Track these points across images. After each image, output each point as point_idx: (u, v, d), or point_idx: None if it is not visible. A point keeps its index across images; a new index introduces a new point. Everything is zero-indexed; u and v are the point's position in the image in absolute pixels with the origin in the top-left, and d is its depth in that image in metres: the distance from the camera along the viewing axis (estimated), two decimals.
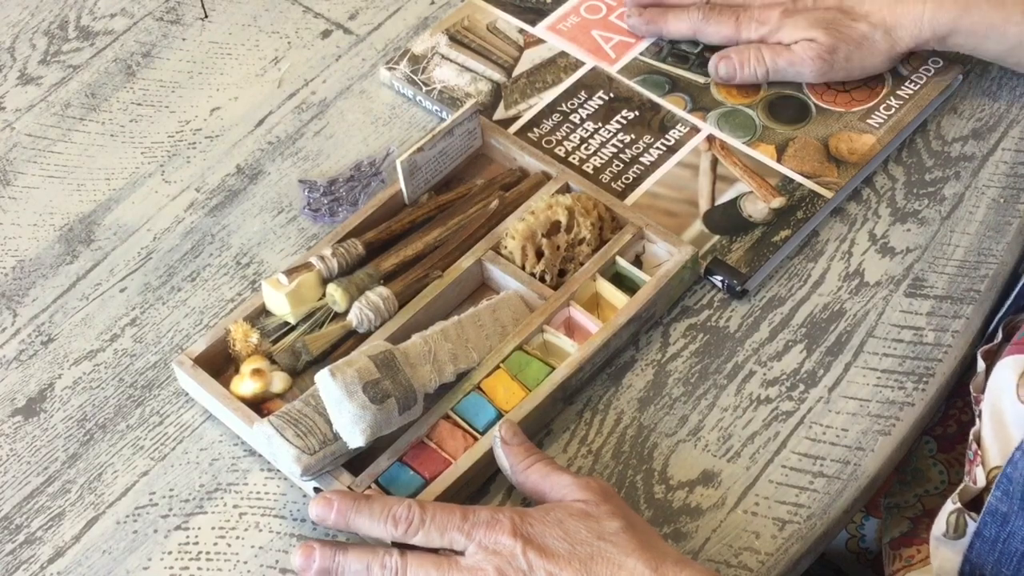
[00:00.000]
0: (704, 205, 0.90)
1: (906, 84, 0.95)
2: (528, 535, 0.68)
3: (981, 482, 0.76)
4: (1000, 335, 0.83)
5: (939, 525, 0.78)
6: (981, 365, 0.81)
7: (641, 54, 0.99)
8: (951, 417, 0.89)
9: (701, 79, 0.97)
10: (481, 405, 0.78)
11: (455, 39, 1.00)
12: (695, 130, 0.94)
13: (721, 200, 0.90)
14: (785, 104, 0.95)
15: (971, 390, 0.82)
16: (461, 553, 0.69)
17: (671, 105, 0.95)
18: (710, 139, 0.93)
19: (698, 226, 0.89)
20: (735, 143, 0.93)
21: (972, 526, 0.76)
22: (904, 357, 0.83)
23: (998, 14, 0.88)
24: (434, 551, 0.70)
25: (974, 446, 0.78)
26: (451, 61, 0.99)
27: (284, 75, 1.01)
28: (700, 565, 0.68)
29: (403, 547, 0.71)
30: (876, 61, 0.91)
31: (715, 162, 0.92)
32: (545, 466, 0.73)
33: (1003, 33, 0.88)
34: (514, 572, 0.67)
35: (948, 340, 0.84)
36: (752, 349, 0.84)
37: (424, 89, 0.97)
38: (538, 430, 0.80)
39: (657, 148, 0.93)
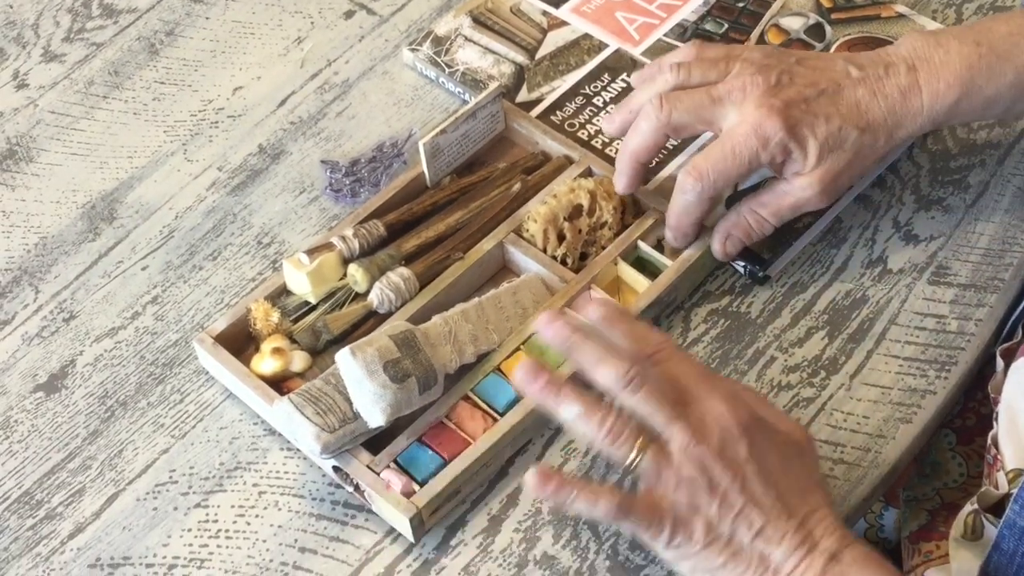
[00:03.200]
0: (727, 190, 0.89)
1: None
2: (755, 438, 0.68)
3: (1003, 487, 0.75)
4: (1020, 333, 0.83)
5: (957, 527, 0.78)
6: (1000, 364, 0.81)
7: (665, 35, 0.98)
8: (970, 410, 0.89)
9: None
10: (501, 386, 0.78)
11: (478, 21, 1.00)
12: None
13: (744, 185, 0.89)
14: None
15: (990, 391, 0.81)
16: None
17: None
18: None
19: (720, 211, 0.88)
20: None
21: (990, 529, 0.75)
22: (927, 345, 0.83)
23: (992, 87, 0.80)
24: None
25: (993, 450, 0.77)
26: (474, 43, 0.99)
27: (307, 55, 1.01)
28: (869, 546, 0.69)
29: None
30: (872, 165, 0.83)
31: None
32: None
33: (995, 105, 0.82)
34: (733, 455, 0.67)
35: (971, 329, 0.83)
36: (773, 335, 0.83)
37: (447, 71, 0.97)
38: (551, 422, 0.80)
39: None
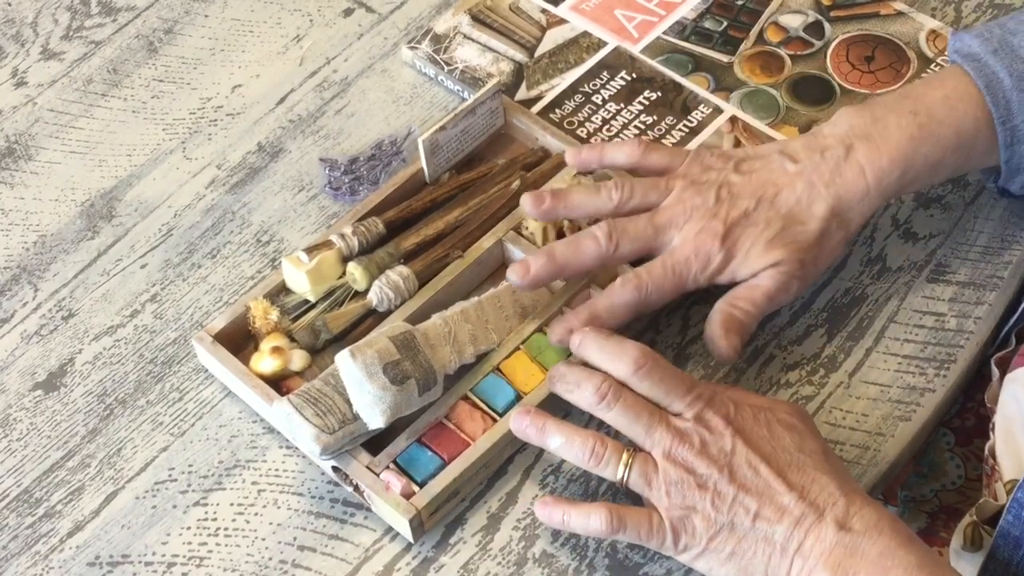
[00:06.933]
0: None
1: (931, 67, 0.94)
2: (739, 426, 0.70)
3: (1002, 498, 0.75)
4: (1014, 341, 0.83)
5: (957, 538, 0.78)
6: (995, 373, 0.81)
7: (664, 33, 0.98)
8: (969, 410, 0.89)
9: (724, 58, 0.96)
10: (500, 387, 0.78)
11: (477, 18, 1.00)
12: (718, 111, 0.93)
13: None
14: (809, 85, 0.94)
15: (986, 400, 0.81)
16: (675, 415, 0.71)
17: (694, 85, 0.95)
18: (732, 121, 0.92)
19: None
20: (758, 124, 0.92)
21: (989, 541, 0.75)
22: (926, 343, 0.83)
23: (936, 154, 0.79)
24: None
25: (990, 461, 0.77)
26: (473, 41, 0.98)
27: (306, 53, 1.01)
28: (884, 508, 0.69)
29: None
30: (837, 252, 0.80)
31: (737, 144, 0.91)
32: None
33: (942, 171, 0.81)
34: (716, 451, 0.69)
35: (970, 326, 0.83)
36: (773, 333, 0.83)
37: (446, 68, 0.97)
38: (555, 412, 0.80)
39: (679, 129, 0.93)
